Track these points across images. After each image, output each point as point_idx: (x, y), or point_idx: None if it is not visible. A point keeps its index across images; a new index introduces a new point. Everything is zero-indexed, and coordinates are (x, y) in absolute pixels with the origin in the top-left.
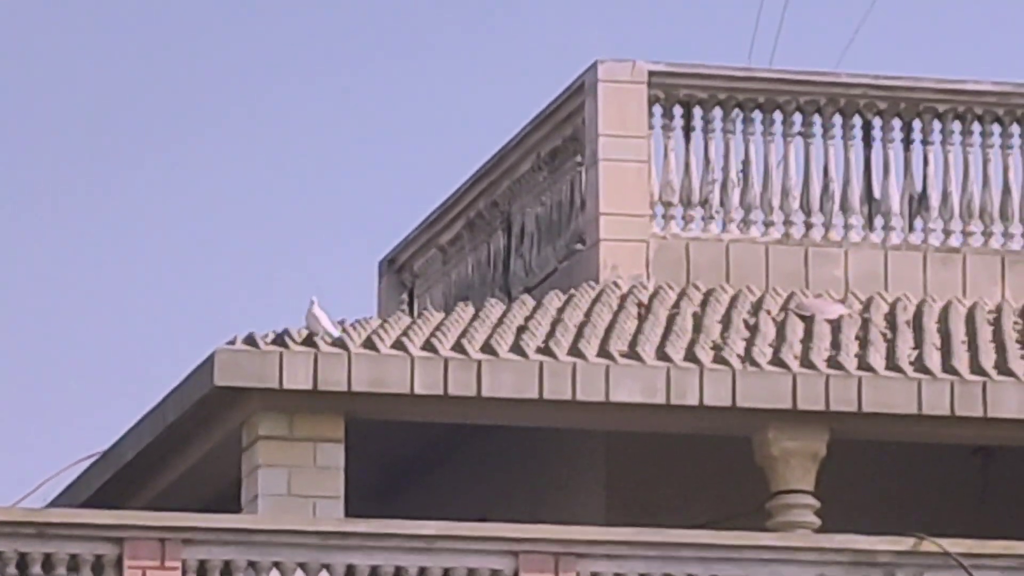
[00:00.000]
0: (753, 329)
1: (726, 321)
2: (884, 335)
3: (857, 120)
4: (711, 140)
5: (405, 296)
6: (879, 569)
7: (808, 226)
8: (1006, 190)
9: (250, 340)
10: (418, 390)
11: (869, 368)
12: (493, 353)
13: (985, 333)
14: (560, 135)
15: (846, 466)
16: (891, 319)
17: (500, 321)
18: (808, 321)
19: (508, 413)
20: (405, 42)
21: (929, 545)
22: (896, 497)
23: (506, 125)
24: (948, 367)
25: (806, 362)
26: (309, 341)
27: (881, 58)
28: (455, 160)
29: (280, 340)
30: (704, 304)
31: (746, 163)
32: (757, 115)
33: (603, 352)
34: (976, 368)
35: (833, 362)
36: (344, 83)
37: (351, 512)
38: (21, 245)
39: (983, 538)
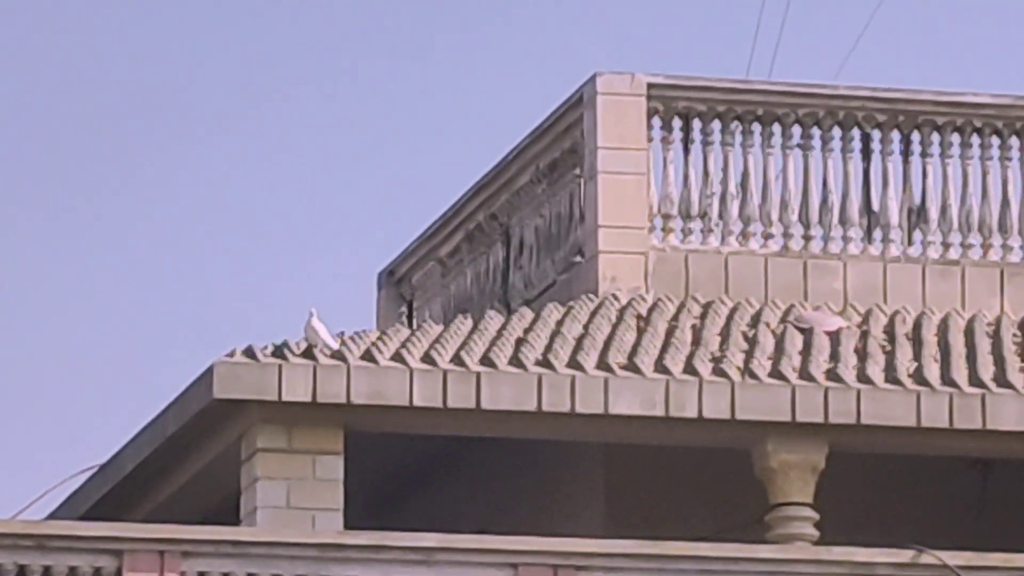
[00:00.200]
0: (752, 341)
1: (725, 333)
2: (883, 347)
3: (856, 132)
4: (710, 152)
5: (404, 308)
6: None
7: (807, 238)
8: (1005, 203)
9: (249, 352)
10: (417, 402)
11: (868, 380)
12: (492, 365)
13: (984, 345)
14: (559, 147)
15: (845, 478)
16: (890, 331)
17: (499, 333)
18: (807, 333)
19: (507, 425)
20: (405, 53)
21: (928, 557)
22: (895, 509)
23: (505, 137)
24: (947, 379)
25: (805, 374)
26: (308, 353)
27: (880, 71)
28: (454, 172)
29: (279, 352)
30: (703, 316)
31: (745, 175)
32: (756, 127)
33: (602, 364)
34: (975, 380)
35: (832, 374)
36: (344, 95)
37: (350, 524)
38: (21, 258)
39: (982, 550)
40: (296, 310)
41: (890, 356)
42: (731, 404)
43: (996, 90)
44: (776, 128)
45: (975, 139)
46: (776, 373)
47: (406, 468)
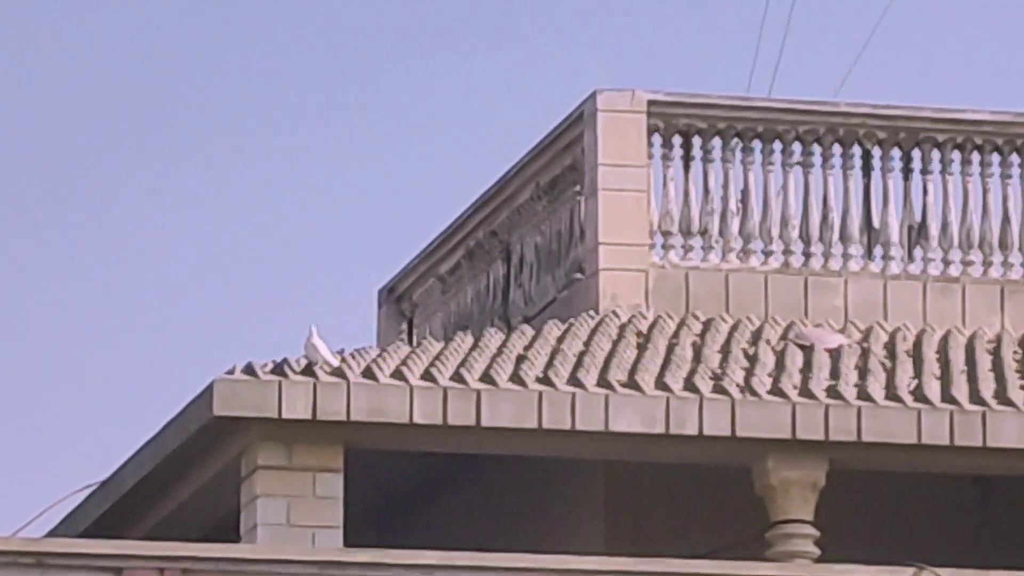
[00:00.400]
0: (752, 359)
1: (725, 351)
2: (883, 365)
3: (856, 149)
4: (710, 169)
5: (404, 325)
6: None
7: (807, 256)
8: (1005, 219)
9: (249, 370)
10: (417, 420)
11: (868, 398)
12: (492, 383)
13: (984, 363)
14: (559, 164)
15: (845, 496)
16: (890, 349)
17: (499, 351)
18: (807, 351)
19: (507, 443)
20: (405, 71)
21: (928, 575)
22: (895, 527)
23: (505, 154)
24: (948, 397)
25: (805, 392)
26: (308, 371)
27: (880, 88)
28: (454, 189)
29: (279, 370)
30: (703, 334)
31: (745, 192)
32: (756, 144)
33: (602, 382)
34: (976, 398)
35: (832, 392)
36: (344, 112)
37: (350, 542)
38: (21, 274)
39: (982, 568)
40: (296, 327)
41: (891, 373)
42: (731, 421)
43: (996, 107)
44: (777, 145)
45: (975, 156)
46: (776, 390)
47: (406, 485)
